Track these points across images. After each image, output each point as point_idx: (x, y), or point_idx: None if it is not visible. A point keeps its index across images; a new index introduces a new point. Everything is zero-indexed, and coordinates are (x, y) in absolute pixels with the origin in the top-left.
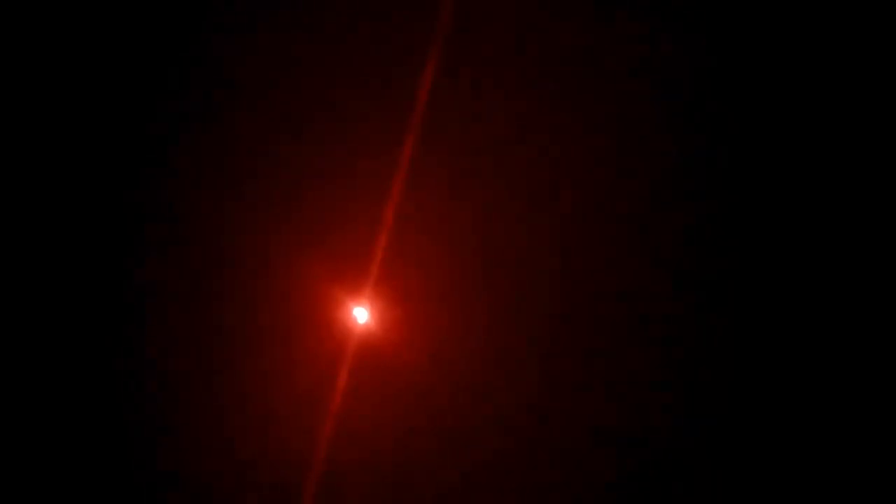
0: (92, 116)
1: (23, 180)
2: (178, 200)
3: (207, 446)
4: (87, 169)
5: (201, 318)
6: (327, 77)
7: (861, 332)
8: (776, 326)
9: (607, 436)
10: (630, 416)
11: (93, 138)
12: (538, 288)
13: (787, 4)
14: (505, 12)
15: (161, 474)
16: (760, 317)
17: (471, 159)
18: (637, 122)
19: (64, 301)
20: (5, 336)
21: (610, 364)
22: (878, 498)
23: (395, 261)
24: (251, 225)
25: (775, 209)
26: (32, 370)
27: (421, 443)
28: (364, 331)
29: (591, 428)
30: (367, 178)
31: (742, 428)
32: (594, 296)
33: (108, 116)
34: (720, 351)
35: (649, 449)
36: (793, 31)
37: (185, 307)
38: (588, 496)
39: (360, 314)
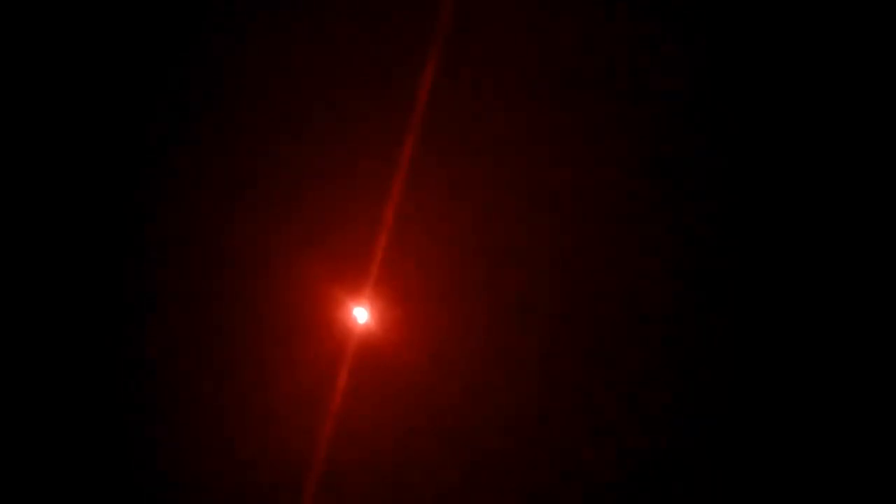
0: (92, 116)
1: (23, 181)
2: (178, 200)
3: (207, 446)
4: (87, 169)
5: (201, 318)
6: (327, 77)
7: (861, 331)
8: (776, 326)
9: (607, 436)
10: (630, 416)
11: (93, 138)
12: (538, 288)
13: (787, 5)
14: (505, 12)
15: (161, 474)
16: (760, 317)
17: (471, 159)
18: (637, 122)
19: (64, 301)
20: (6, 336)
21: (610, 364)
22: (878, 498)
23: (395, 261)
24: (251, 225)
25: (775, 209)
26: (33, 370)
27: (421, 443)
28: (364, 331)
29: (591, 428)
30: (367, 178)
31: (742, 428)
32: (594, 296)
33: (109, 117)
34: (720, 351)
35: (649, 449)
36: (793, 32)
37: (185, 307)
38: (588, 496)
39: (360, 314)
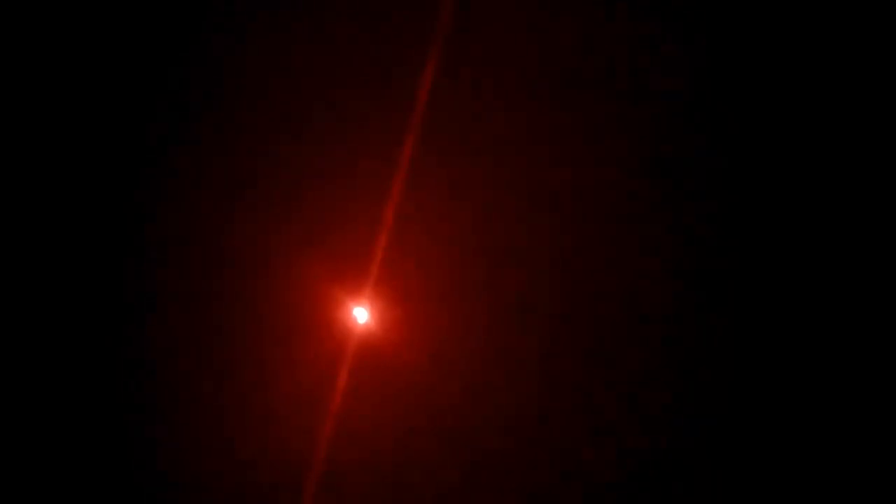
0: (92, 116)
1: (23, 181)
2: (178, 200)
3: (207, 446)
4: (87, 169)
5: (201, 318)
6: (327, 77)
7: (861, 331)
8: (776, 326)
9: (607, 436)
10: (630, 416)
11: (93, 138)
12: (538, 288)
13: (787, 5)
14: (505, 12)
15: (161, 474)
16: (760, 317)
17: (471, 159)
18: (637, 122)
19: (64, 301)
20: (6, 336)
21: (610, 364)
22: (878, 498)
23: (395, 261)
24: (251, 225)
25: (775, 209)
26: (33, 370)
27: (421, 443)
28: (364, 331)
29: (591, 428)
30: (367, 178)
31: (742, 428)
32: (594, 295)
33: (109, 117)
34: (720, 351)
35: (649, 449)
36: (793, 32)
37: (185, 307)
38: (588, 496)
39: (360, 314)
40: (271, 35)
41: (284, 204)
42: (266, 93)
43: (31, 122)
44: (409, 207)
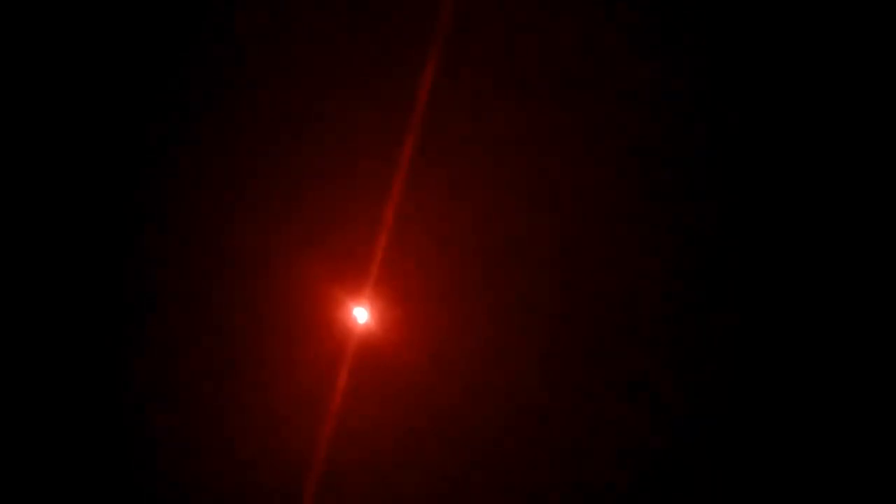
0: (92, 116)
1: (23, 181)
2: (179, 200)
3: (207, 446)
4: (87, 169)
5: (201, 318)
6: (328, 77)
7: (861, 331)
8: (776, 326)
9: (607, 436)
10: (630, 416)
11: (93, 138)
12: (538, 288)
13: (787, 5)
14: (505, 12)
15: (161, 474)
16: (761, 317)
17: (471, 159)
18: (637, 122)
19: (64, 301)
20: (6, 336)
21: (610, 364)
22: (878, 498)
23: (395, 261)
24: (251, 225)
25: (775, 209)
26: (33, 370)
27: (421, 443)
28: (364, 331)
29: (591, 428)
30: (367, 178)
31: (742, 428)
32: (594, 295)
33: (109, 116)
34: (720, 351)
35: (649, 449)
36: (793, 32)
37: (185, 307)
38: (588, 496)
39: (360, 314)
40: (271, 35)
41: (284, 204)
42: (266, 93)
43: (31, 122)
44: (409, 207)
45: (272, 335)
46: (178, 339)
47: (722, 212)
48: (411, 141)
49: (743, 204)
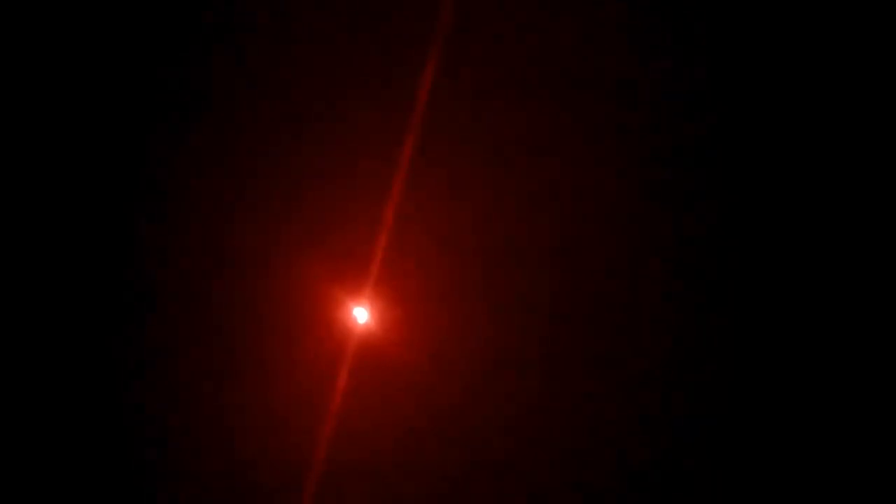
0: (92, 116)
1: (24, 181)
2: (179, 200)
3: (207, 446)
4: (87, 169)
5: (201, 318)
6: (327, 77)
7: (861, 331)
8: (776, 326)
9: (607, 436)
10: (630, 416)
11: (93, 138)
12: (538, 288)
13: (787, 5)
14: (505, 12)
15: (161, 474)
16: (761, 317)
17: (471, 159)
18: (637, 122)
19: (64, 301)
20: (6, 336)
21: (609, 364)
22: (878, 498)
23: (395, 261)
24: (251, 225)
25: (775, 209)
26: (33, 370)
27: (421, 443)
28: (364, 331)
29: (591, 428)
30: (367, 178)
31: (742, 428)
32: (594, 295)
33: (109, 116)
34: (720, 351)
35: (649, 449)
36: (793, 32)
37: (185, 307)
38: (588, 496)
39: (360, 314)
40: (271, 35)
41: (284, 204)
42: (266, 93)
43: (31, 122)
44: (409, 207)
45: (272, 335)
46: (178, 339)
47: (722, 212)
48: (411, 141)
49: (743, 204)
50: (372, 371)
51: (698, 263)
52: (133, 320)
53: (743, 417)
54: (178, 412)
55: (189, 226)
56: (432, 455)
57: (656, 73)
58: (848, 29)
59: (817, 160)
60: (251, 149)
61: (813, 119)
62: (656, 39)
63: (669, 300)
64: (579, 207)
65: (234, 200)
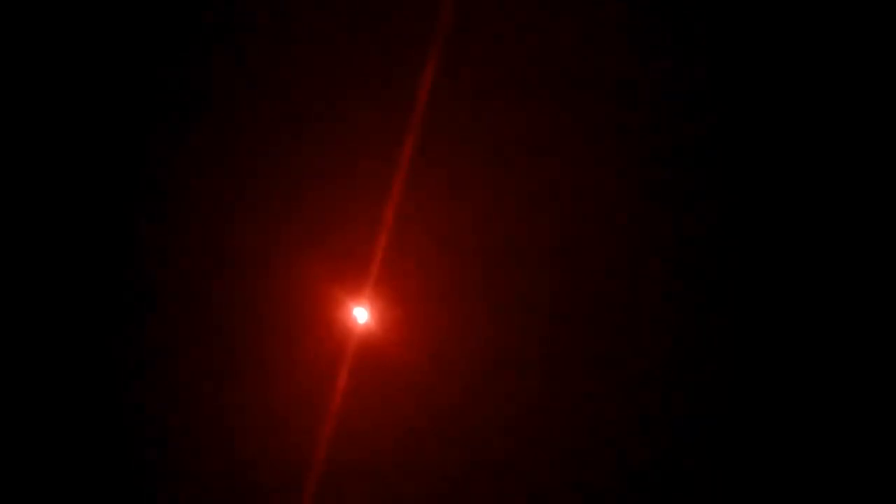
0: (92, 116)
1: (24, 181)
2: (179, 200)
3: (207, 446)
4: (87, 169)
5: (201, 318)
6: (327, 77)
7: (861, 331)
8: (776, 326)
9: (607, 436)
10: (630, 417)
11: (93, 138)
12: (538, 288)
13: (787, 5)
14: (505, 12)
15: (161, 474)
16: (760, 317)
17: (471, 159)
18: (637, 122)
19: (64, 301)
20: (6, 336)
21: (609, 364)
22: (878, 498)
23: (395, 261)
24: (251, 225)
25: (775, 209)
26: (33, 370)
27: (421, 443)
28: (364, 331)
29: (591, 428)
30: (367, 178)
31: (742, 428)
32: (594, 295)
33: (109, 116)
34: (720, 351)
35: (649, 449)
36: (793, 32)
37: (185, 307)
38: (588, 496)
39: (360, 314)
40: (271, 35)
41: (284, 204)
42: (266, 93)
43: (32, 122)
44: (409, 207)
45: (272, 335)
46: (178, 339)
47: (722, 212)
48: (411, 141)
49: (743, 204)
50: (372, 371)
51: (698, 263)
52: (133, 320)
53: (743, 417)
54: (178, 412)
55: (189, 226)
56: (432, 455)
57: (656, 73)
58: (848, 29)
59: (817, 160)
60: (251, 149)
61: (813, 119)
62: (656, 39)
63: (669, 300)
64: (579, 207)
65: (234, 200)
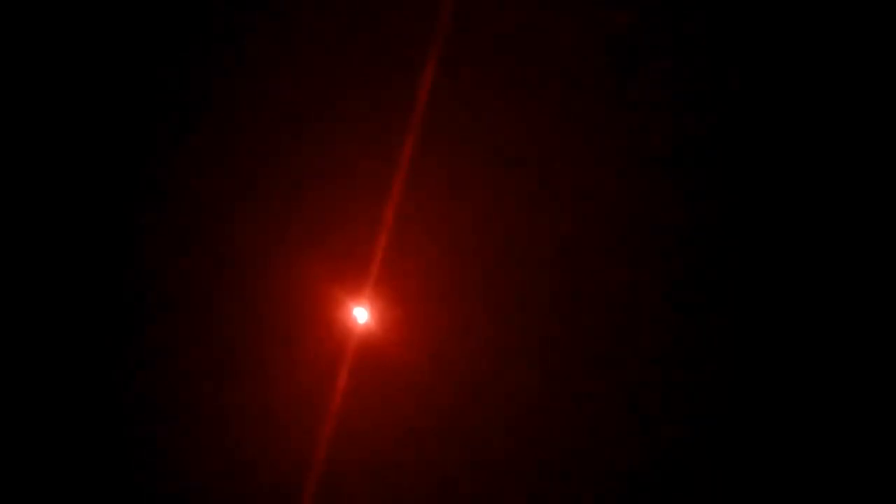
0: (93, 116)
1: (25, 181)
2: (179, 200)
3: (207, 446)
4: (88, 170)
5: (202, 319)
6: (328, 77)
7: (861, 331)
8: (776, 326)
9: (607, 436)
10: (630, 417)
11: (94, 138)
12: (538, 288)
13: (787, 5)
14: (505, 12)
15: (162, 474)
16: (760, 317)
17: (471, 159)
18: (637, 122)
19: (65, 301)
20: (7, 336)
21: (610, 364)
22: (878, 498)
23: (395, 261)
24: (252, 225)
25: (776, 209)
26: (34, 370)
27: (421, 443)
28: (364, 331)
29: (591, 428)
30: (367, 178)
31: (742, 428)
32: (594, 295)
33: (109, 117)
34: (720, 351)
35: (649, 449)
36: (794, 32)
37: (185, 307)
38: (588, 496)
39: (360, 314)
40: (272, 35)
41: (284, 204)
42: (266, 93)
43: (32, 122)
44: (409, 207)
45: (272, 335)
46: (178, 340)
47: (722, 212)
48: (411, 141)
49: (743, 204)
50: (372, 371)
51: (698, 263)
52: (133, 320)
53: (743, 417)
54: (178, 412)
55: (189, 226)
56: (432, 455)
57: (656, 73)
58: (848, 29)
59: (817, 160)
60: (251, 149)
61: (813, 119)
62: (657, 39)
63: (669, 300)
64: (579, 207)
65: (234, 201)
